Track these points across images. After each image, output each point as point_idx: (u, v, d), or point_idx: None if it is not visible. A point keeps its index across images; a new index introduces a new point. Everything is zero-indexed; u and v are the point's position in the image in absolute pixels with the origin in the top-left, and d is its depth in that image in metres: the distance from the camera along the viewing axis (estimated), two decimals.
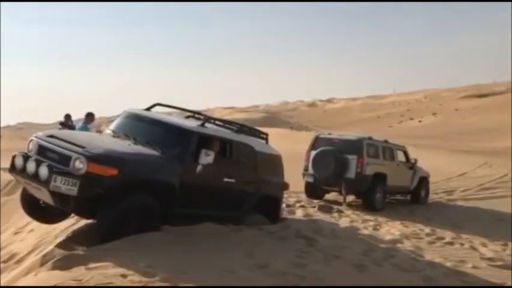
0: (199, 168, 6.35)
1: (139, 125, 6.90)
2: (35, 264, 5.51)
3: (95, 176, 5.51)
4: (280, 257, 5.83)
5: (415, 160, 13.54)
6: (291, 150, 16.22)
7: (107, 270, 4.48)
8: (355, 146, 11.82)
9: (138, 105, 7.56)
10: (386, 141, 12.87)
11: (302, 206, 10.92)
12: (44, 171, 5.58)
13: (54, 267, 4.74)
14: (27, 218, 7.70)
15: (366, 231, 8.81)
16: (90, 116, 10.80)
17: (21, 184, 6.58)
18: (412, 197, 13.52)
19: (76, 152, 5.63)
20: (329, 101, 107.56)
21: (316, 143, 12.38)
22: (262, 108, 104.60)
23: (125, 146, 6.24)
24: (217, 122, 7.84)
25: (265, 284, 4.82)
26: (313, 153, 12.07)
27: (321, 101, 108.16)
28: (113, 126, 7.13)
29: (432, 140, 36.24)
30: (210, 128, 7.14)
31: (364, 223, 9.71)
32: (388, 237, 8.42)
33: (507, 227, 10.50)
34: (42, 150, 5.97)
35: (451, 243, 8.56)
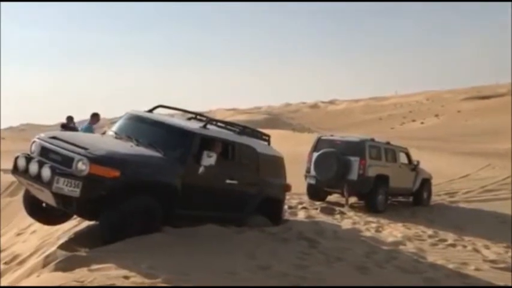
0: (201, 169, 6.35)
1: (142, 127, 6.91)
2: (37, 265, 5.52)
3: (98, 177, 5.51)
4: (282, 259, 5.83)
5: (418, 162, 13.52)
6: (293, 151, 16.22)
7: (109, 272, 4.48)
8: (358, 148, 11.81)
9: (140, 107, 7.57)
10: (388, 143, 12.87)
11: (304, 208, 10.91)
12: (46, 172, 5.59)
13: (57, 269, 4.75)
14: (30, 220, 7.71)
15: (368, 233, 8.80)
16: (95, 117, 10.81)
17: (23, 185, 6.59)
18: (415, 199, 13.50)
19: (78, 154, 5.63)
20: (331, 102, 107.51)
21: (318, 144, 12.38)
22: (264, 109, 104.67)
23: (127, 147, 6.25)
24: (219, 124, 7.84)
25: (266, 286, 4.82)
26: (316, 155, 12.07)
27: (323, 102, 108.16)
28: (115, 127, 7.14)
29: (434, 141, 36.20)
30: (212, 130, 7.15)
31: (366, 225, 9.69)
32: (390, 239, 8.41)
33: (510, 229, 10.48)
34: (44, 151, 5.98)
35: (453, 245, 8.54)
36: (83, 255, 5.13)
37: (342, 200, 12.16)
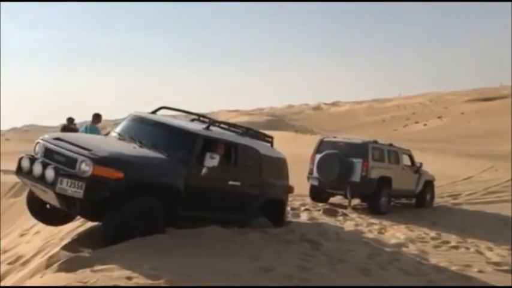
0: (204, 171, 6.36)
1: (145, 128, 6.93)
2: (40, 266, 5.53)
3: (101, 178, 5.53)
4: (285, 261, 5.83)
5: (420, 164, 13.51)
6: (296, 153, 16.23)
7: (112, 273, 4.49)
8: (360, 150, 11.80)
9: (143, 108, 7.59)
10: (391, 145, 12.86)
11: (307, 210, 10.91)
12: (50, 173, 5.61)
13: (60, 269, 4.75)
14: (33, 220, 7.73)
15: (370, 235, 8.79)
16: (97, 117, 10.87)
17: (27, 186, 6.61)
18: (417, 201, 13.49)
19: (82, 155, 5.65)
20: (334, 104, 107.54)
21: (321, 146, 12.38)
22: (267, 111, 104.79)
23: (131, 148, 6.27)
24: (222, 125, 7.85)
25: None
26: (318, 156, 12.07)
27: (325, 104, 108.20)
28: (118, 129, 7.16)
29: (437, 143, 36.13)
30: (215, 131, 7.16)
31: (369, 227, 9.68)
32: (393, 241, 8.40)
33: None
34: (48, 152, 6.00)
35: (456, 248, 8.51)
36: (86, 256, 5.14)
37: (345, 202, 12.15)
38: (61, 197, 5.57)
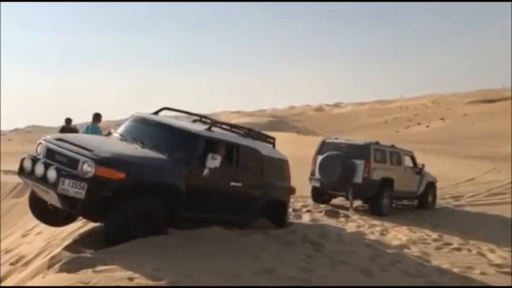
0: (205, 171, 6.36)
1: (147, 129, 6.94)
2: (42, 266, 5.53)
3: (103, 179, 5.53)
4: (287, 262, 5.83)
5: (423, 165, 13.49)
6: (298, 154, 16.23)
7: (114, 273, 4.50)
8: (362, 151, 11.79)
9: (145, 109, 7.60)
10: (393, 146, 12.84)
11: (309, 211, 10.91)
12: (52, 174, 5.62)
13: (62, 270, 4.76)
14: (35, 221, 7.74)
15: (372, 237, 8.78)
16: (98, 117, 10.92)
17: (29, 187, 6.62)
18: (419, 202, 13.46)
19: (84, 155, 5.66)
20: (336, 105, 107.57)
21: (323, 147, 12.37)
22: (269, 112, 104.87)
23: (133, 149, 6.27)
24: (224, 126, 7.85)
25: None
26: (320, 157, 12.06)
27: (328, 105, 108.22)
28: (120, 129, 7.17)
29: (440, 145, 36.10)
30: (217, 132, 7.16)
31: (370, 228, 9.68)
32: (395, 243, 8.39)
33: None
34: (50, 153, 6.01)
35: (458, 249, 8.50)
36: (87, 256, 5.15)
37: (347, 203, 12.14)
38: (63, 197, 5.58)
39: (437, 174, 14.32)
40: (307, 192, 12.36)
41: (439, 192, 14.20)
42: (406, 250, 7.90)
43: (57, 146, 6.01)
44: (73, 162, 5.67)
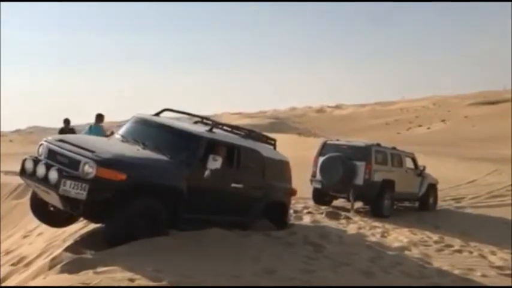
0: (207, 173, 6.37)
1: (148, 130, 6.95)
2: (43, 267, 5.54)
3: (104, 180, 5.54)
4: (288, 263, 5.83)
5: (424, 167, 13.48)
6: (299, 156, 16.20)
7: (114, 274, 4.51)
8: (364, 153, 11.79)
9: (146, 110, 7.62)
10: (394, 148, 12.84)
11: (309, 212, 10.90)
12: (53, 175, 5.63)
13: (63, 271, 4.77)
14: (36, 222, 7.75)
15: (373, 238, 8.77)
16: (100, 117, 10.95)
17: (31, 188, 6.63)
18: (421, 204, 13.45)
19: (85, 157, 5.67)
20: (337, 107, 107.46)
21: (324, 149, 12.37)
22: (270, 113, 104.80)
23: (134, 150, 6.28)
24: (225, 128, 7.86)
25: None
26: (321, 159, 12.06)
27: (329, 107, 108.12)
28: (122, 131, 7.18)
29: (441, 147, 36.06)
30: (218, 134, 7.17)
31: (371, 230, 9.67)
32: (396, 244, 8.38)
33: None
34: (52, 154, 6.02)
35: (459, 251, 8.49)
36: (88, 257, 5.16)
37: (348, 205, 12.13)
38: (64, 198, 5.59)
39: (438, 176, 14.31)
40: (308, 193, 12.36)
41: (440, 194, 14.19)
42: (407, 252, 7.90)
43: (59, 147, 6.02)
44: (74, 163, 5.68)
